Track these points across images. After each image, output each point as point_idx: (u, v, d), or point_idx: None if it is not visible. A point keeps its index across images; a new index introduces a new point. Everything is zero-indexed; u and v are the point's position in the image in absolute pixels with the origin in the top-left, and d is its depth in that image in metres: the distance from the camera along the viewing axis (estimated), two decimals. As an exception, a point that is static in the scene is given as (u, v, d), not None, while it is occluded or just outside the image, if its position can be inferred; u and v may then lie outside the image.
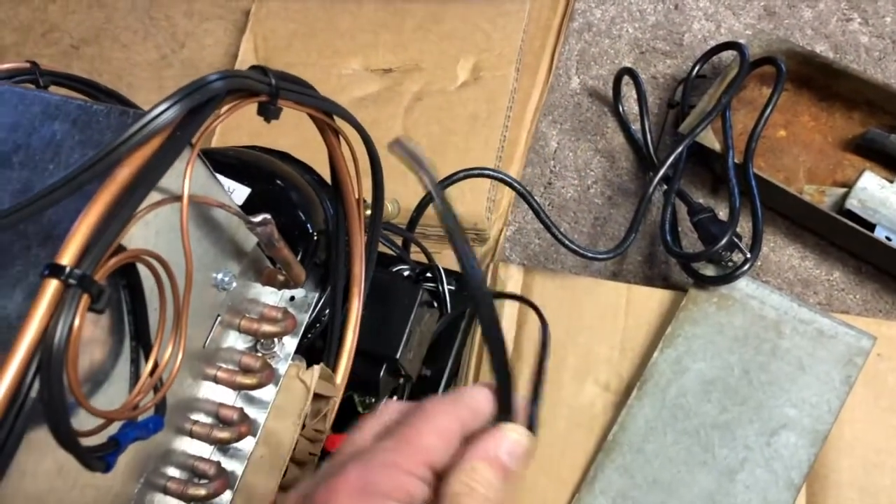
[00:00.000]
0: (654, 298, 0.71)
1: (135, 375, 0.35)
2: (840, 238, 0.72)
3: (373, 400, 0.65)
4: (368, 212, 0.54)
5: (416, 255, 0.72)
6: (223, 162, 0.57)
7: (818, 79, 0.77)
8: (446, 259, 0.76)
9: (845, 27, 0.83)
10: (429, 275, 0.67)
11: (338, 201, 0.49)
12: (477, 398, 0.32)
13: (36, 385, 0.27)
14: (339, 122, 0.44)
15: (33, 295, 0.28)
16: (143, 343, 0.35)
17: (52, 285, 0.28)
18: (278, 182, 0.58)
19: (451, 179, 0.70)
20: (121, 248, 0.30)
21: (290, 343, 0.49)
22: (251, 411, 0.46)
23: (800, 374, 0.64)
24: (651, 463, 0.63)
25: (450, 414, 0.31)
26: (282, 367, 0.47)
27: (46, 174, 0.33)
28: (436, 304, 0.66)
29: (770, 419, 0.62)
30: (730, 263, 0.68)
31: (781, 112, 0.77)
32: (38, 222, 0.32)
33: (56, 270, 0.28)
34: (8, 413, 0.27)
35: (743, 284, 0.67)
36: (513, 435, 0.31)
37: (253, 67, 0.35)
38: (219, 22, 1.00)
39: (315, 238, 0.55)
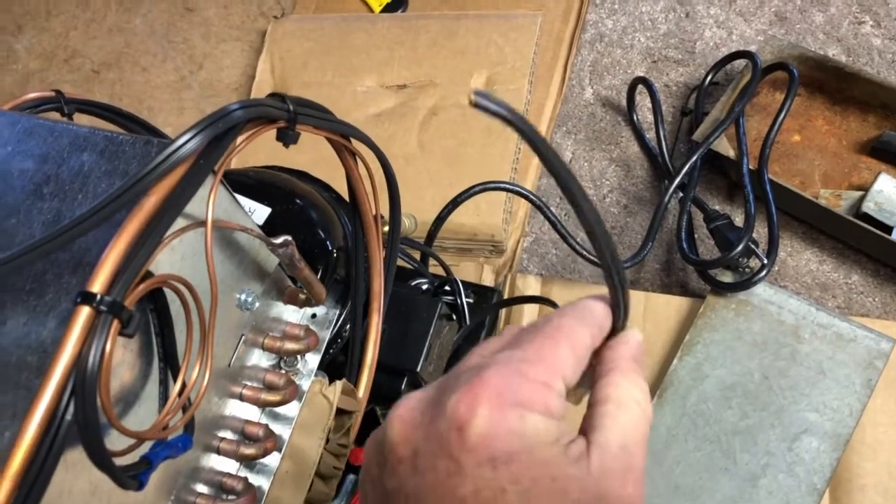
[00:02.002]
0: (672, 306, 0.71)
1: (164, 396, 0.36)
2: (857, 241, 0.72)
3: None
4: (387, 228, 0.55)
5: (433, 268, 0.73)
6: (244, 183, 0.58)
7: (831, 83, 0.77)
8: (464, 271, 0.77)
9: (857, 30, 0.83)
10: (447, 288, 0.68)
11: (356, 219, 0.50)
12: (600, 313, 0.32)
13: (71, 408, 0.29)
14: (356, 143, 0.45)
15: (66, 321, 0.29)
16: (170, 364, 0.36)
17: (84, 312, 0.29)
18: (297, 201, 0.59)
19: (468, 193, 0.71)
20: (148, 274, 0.32)
21: (313, 359, 0.50)
22: (276, 427, 0.47)
23: (820, 378, 0.64)
24: (673, 470, 0.63)
25: (582, 331, 0.31)
26: (305, 384, 0.48)
27: (76, 204, 0.35)
28: (454, 317, 0.66)
29: (791, 424, 0.63)
30: (747, 269, 0.68)
31: (795, 117, 0.77)
32: (68, 250, 0.33)
33: (87, 298, 0.29)
34: (46, 435, 0.28)
35: (760, 290, 0.68)
36: (639, 335, 0.33)
37: (271, 95, 0.36)
38: (235, 43, 1.02)
39: (335, 255, 0.57)
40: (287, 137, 0.37)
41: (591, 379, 0.32)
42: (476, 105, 0.24)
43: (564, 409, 0.30)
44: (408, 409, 0.30)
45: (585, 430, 0.30)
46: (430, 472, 0.28)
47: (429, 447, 0.28)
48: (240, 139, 0.34)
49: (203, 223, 0.34)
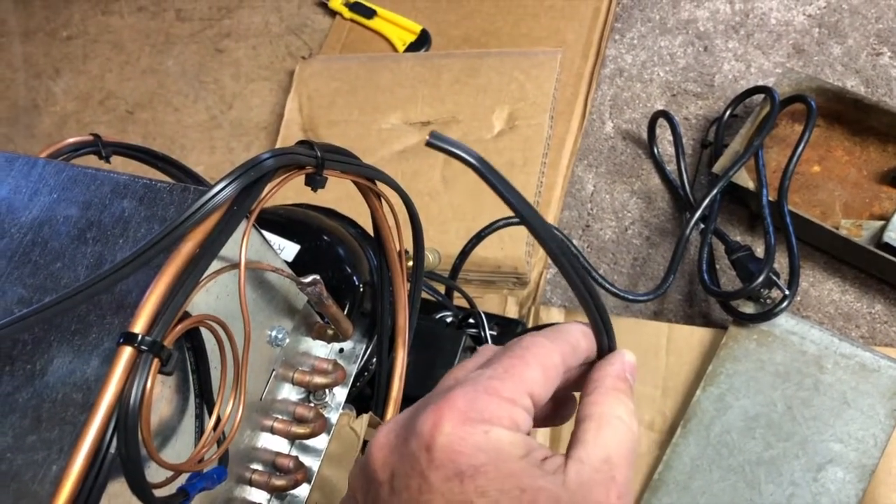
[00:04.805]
0: (694, 337, 0.72)
1: (199, 430, 0.38)
2: (879, 271, 0.72)
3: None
4: (411, 262, 0.57)
5: (458, 300, 0.75)
6: (274, 221, 0.60)
7: (850, 114, 0.78)
8: (488, 304, 0.78)
9: (875, 61, 0.84)
10: (471, 320, 0.69)
11: (381, 257, 0.52)
12: (575, 334, 0.33)
13: (114, 442, 0.30)
14: (380, 183, 0.47)
15: (109, 360, 0.31)
16: (206, 399, 0.37)
17: (127, 352, 0.31)
18: (325, 238, 0.61)
19: (491, 227, 0.73)
20: (186, 315, 0.33)
21: (341, 393, 0.51)
22: (306, 459, 0.49)
23: (844, 408, 0.64)
24: (697, 501, 0.63)
25: (552, 349, 0.32)
26: (333, 417, 0.50)
27: (117, 248, 0.37)
28: (478, 349, 0.68)
29: (816, 454, 0.63)
30: (769, 300, 0.69)
31: (815, 148, 0.78)
32: (110, 293, 0.35)
33: (130, 338, 0.31)
34: (91, 468, 0.30)
35: (782, 321, 0.68)
36: (628, 356, 0.34)
37: (300, 142, 0.38)
38: (264, 83, 1.05)
39: (361, 290, 0.58)
40: (315, 182, 0.39)
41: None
42: (431, 145, 0.25)
43: (531, 424, 0.31)
44: (385, 433, 0.31)
45: (568, 447, 0.31)
46: (405, 491, 0.29)
47: (402, 468, 0.29)
48: (270, 185, 0.36)
49: (237, 265, 0.36)
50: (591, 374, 0.33)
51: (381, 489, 0.30)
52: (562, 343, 0.32)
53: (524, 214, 0.27)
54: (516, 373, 0.31)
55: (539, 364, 0.31)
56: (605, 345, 0.33)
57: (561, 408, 0.36)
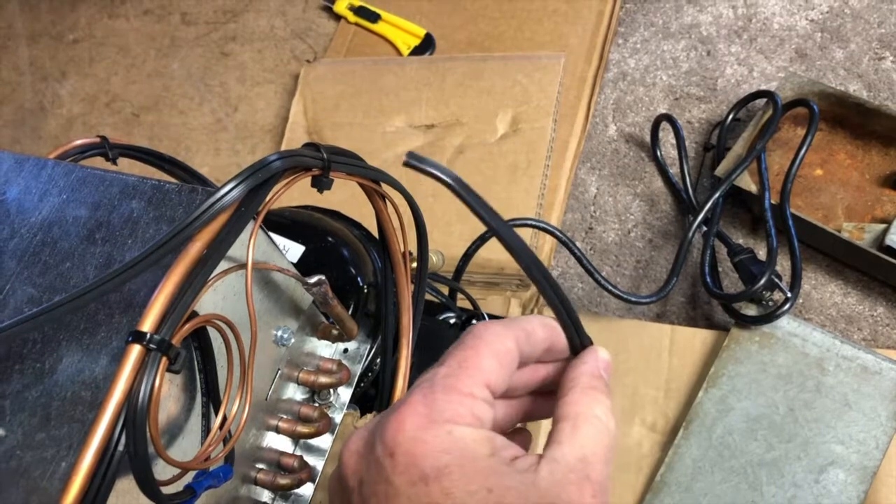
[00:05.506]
0: (697, 339, 0.72)
1: (206, 428, 0.38)
2: (882, 274, 0.73)
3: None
4: (415, 264, 0.57)
5: (461, 302, 0.75)
6: (280, 222, 0.61)
7: (852, 118, 0.78)
8: (491, 305, 0.78)
9: (878, 65, 0.84)
10: (474, 321, 0.70)
11: (385, 258, 0.52)
12: (532, 322, 0.33)
13: (122, 440, 0.31)
14: (385, 186, 0.47)
15: (118, 358, 0.31)
16: (213, 398, 0.38)
17: (136, 350, 0.31)
18: (330, 239, 0.61)
19: (493, 229, 0.73)
20: (193, 314, 0.34)
21: (345, 393, 0.51)
22: (310, 459, 0.49)
23: (845, 410, 0.64)
24: (699, 502, 0.63)
25: (505, 335, 0.32)
26: (338, 416, 0.50)
27: (125, 248, 0.37)
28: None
29: (817, 456, 0.63)
30: (771, 303, 0.69)
31: (817, 151, 0.78)
32: (119, 292, 0.36)
33: (138, 337, 0.31)
34: (100, 465, 0.30)
35: (784, 323, 0.69)
36: (602, 353, 0.33)
37: (306, 144, 0.38)
38: (269, 86, 1.05)
39: (365, 290, 0.59)
40: (321, 184, 0.39)
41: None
42: (408, 165, 0.25)
43: (493, 415, 0.31)
44: (355, 440, 0.32)
45: (544, 447, 0.30)
46: (373, 497, 0.29)
47: (370, 475, 0.30)
48: (278, 187, 0.37)
49: (244, 265, 0.37)
50: (566, 373, 0.33)
51: (353, 496, 0.31)
52: (515, 329, 0.32)
53: (496, 228, 0.28)
54: (471, 365, 0.31)
55: (492, 352, 0.31)
56: (577, 341, 0.33)
57: (545, 403, 0.36)
